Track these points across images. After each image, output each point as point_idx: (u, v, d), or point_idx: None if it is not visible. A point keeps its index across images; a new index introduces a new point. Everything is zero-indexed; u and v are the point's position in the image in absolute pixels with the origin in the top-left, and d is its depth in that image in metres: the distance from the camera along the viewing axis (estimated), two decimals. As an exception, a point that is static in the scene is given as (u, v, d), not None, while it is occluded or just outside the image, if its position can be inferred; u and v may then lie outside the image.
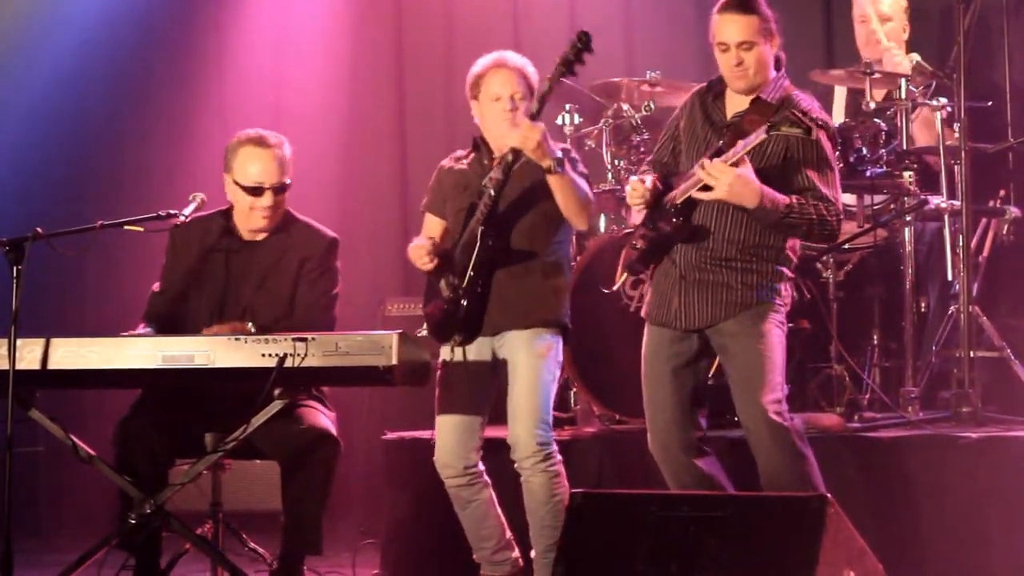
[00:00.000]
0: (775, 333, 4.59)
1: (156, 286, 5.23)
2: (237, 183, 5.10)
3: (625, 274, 4.85)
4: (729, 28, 4.59)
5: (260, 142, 5.13)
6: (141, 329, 5.01)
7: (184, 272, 5.17)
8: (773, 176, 4.52)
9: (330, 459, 4.91)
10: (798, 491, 4.43)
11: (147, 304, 5.21)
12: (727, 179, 4.40)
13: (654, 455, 4.75)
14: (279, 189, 5.11)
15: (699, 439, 4.69)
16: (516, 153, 4.80)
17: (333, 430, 4.99)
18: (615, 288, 5.05)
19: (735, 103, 4.69)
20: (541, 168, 4.82)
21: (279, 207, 5.14)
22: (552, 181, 4.82)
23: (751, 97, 4.63)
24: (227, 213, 5.21)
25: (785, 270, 4.68)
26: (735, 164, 4.43)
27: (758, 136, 4.40)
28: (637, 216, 5.07)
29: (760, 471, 4.58)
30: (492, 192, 4.86)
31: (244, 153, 5.12)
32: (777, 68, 4.69)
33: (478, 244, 4.88)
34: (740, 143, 4.44)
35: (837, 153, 5.50)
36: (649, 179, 4.65)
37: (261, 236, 5.17)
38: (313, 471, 4.88)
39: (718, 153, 4.50)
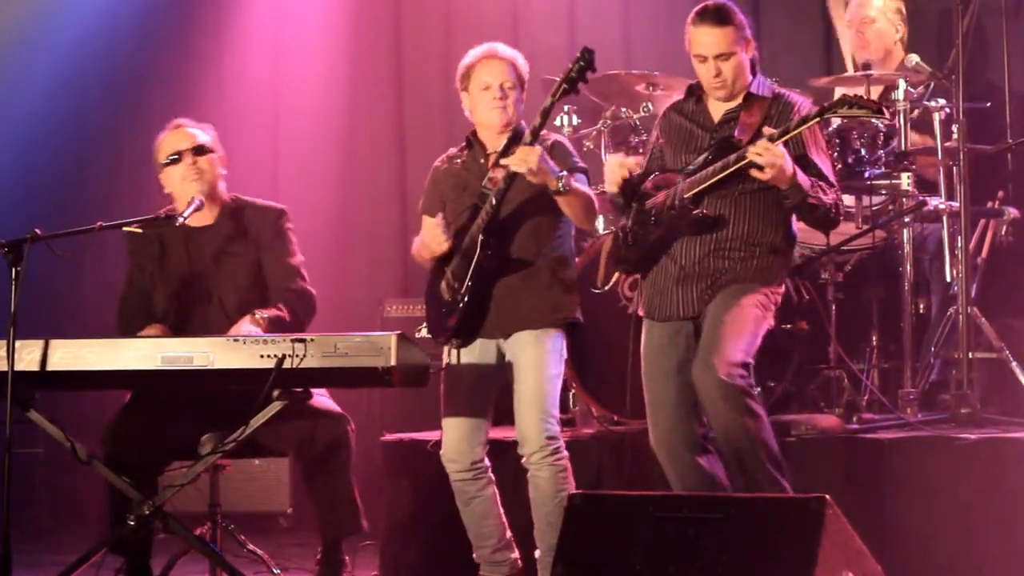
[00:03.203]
0: (752, 310, 4.60)
1: (121, 293, 5.31)
2: (162, 164, 5.26)
3: (617, 273, 4.87)
4: (705, 40, 4.64)
5: (175, 126, 5.35)
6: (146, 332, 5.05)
7: (148, 274, 5.25)
8: None
9: (344, 437, 4.97)
10: (748, 449, 4.47)
11: (118, 312, 5.28)
12: (779, 161, 4.43)
13: (657, 453, 4.75)
14: (198, 150, 5.26)
15: (702, 436, 4.70)
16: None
17: (336, 408, 5.03)
18: (607, 288, 5.06)
19: (718, 106, 4.76)
20: None
21: (209, 170, 5.26)
22: (559, 200, 4.83)
23: (738, 97, 4.70)
24: (170, 214, 5.24)
25: (785, 260, 4.72)
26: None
27: (808, 120, 4.46)
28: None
29: (716, 434, 4.59)
30: (494, 200, 4.86)
31: (161, 139, 5.33)
32: (752, 71, 4.74)
33: (478, 251, 4.88)
34: (795, 120, 4.49)
35: (836, 153, 5.56)
36: (628, 158, 4.74)
37: (211, 219, 5.26)
38: (332, 454, 4.94)
39: (733, 148, 4.55)
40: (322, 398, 5.06)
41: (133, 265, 5.31)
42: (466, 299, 4.92)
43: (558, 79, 4.80)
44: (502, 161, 4.82)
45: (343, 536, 5.01)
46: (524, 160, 4.72)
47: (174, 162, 5.24)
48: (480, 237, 4.89)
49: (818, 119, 4.49)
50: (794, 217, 4.75)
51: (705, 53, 4.64)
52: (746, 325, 4.58)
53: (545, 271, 4.97)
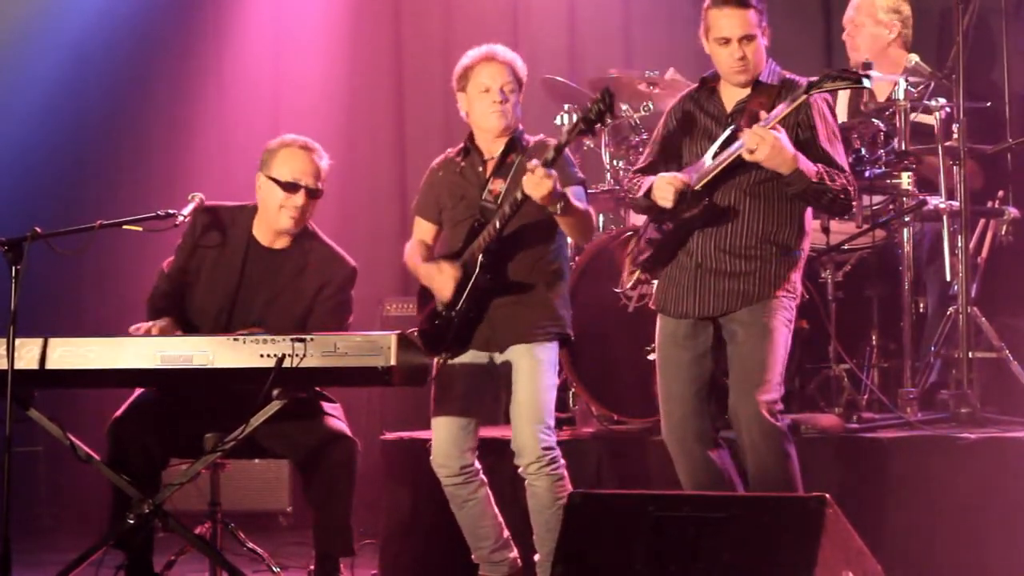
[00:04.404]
0: (782, 332, 4.62)
1: (166, 264, 5.20)
2: (272, 178, 5.08)
3: (637, 272, 4.83)
4: (730, 22, 4.61)
5: (304, 146, 5.16)
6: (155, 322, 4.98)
7: (200, 258, 5.14)
8: None
9: (350, 461, 4.92)
10: (783, 489, 4.49)
11: (155, 284, 5.17)
12: (770, 141, 4.43)
13: (668, 446, 4.75)
14: (313, 193, 5.11)
15: (714, 430, 4.72)
16: (525, 196, 4.72)
17: (347, 430, 5.00)
18: (628, 287, 5.03)
19: (731, 95, 4.72)
20: None
21: (308, 212, 5.12)
22: (559, 220, 4.81)
23: (749, 86, 4.67)
24: (253, 214, 5.17)
25: (799, 262, 4.71)
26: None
27: (796, 100, 4.47)
28: (639, 216, 5.07)
29: (748, 466, 4.62)
30: (497, 224, 4.82)
31: (286, 152, 5.13)
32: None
33: (476, 272, 4.87)
34: (779, 107, 4.50)
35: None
36: (678, 175, 4.64)
37: (281, 245, 5.14)
38: (335, 474, 4.90)
39: (737, 130, 4.55)
40: (335, 419, 5.03)
41: (183, 246, 5.15)
42: (460, 314, 4.90)
43: (575, 118, 4.74)
44: (525, 185, 4.69)
45: (337, 555, 4.98)
46: (537, 187, 4.64)
47: (286, 188, 5.06)
48: (480, 258, 4.87)
49: (805, 97, 4.48)
50: (809, 211, 4.74)
51: (730, 35, 4.60)
52: (778, 351, 4.60)
53: (541, 286, 4.94)
